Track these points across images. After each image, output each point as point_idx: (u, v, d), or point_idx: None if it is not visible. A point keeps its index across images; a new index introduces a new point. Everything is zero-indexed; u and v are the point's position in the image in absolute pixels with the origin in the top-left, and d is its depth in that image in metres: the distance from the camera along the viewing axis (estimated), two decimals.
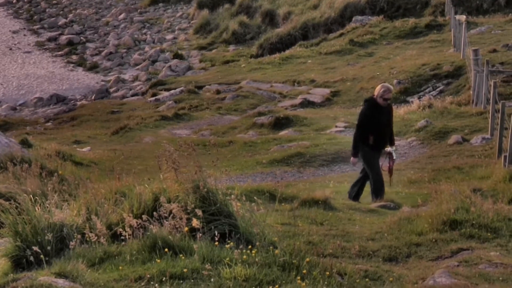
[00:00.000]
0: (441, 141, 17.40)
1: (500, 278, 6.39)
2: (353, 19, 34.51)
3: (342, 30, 33.74)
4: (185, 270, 6.09)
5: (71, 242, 6.64)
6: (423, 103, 20.64)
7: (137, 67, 36.42)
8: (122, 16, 47.11)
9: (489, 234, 7.71)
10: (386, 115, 11.18)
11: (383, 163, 11.37)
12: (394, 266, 7.02)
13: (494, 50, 24.05)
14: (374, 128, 11.04)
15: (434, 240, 7.63)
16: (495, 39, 26.37)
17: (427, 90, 23.35)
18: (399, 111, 20.92)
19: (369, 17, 34.28)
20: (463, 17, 26.56)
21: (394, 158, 11.39)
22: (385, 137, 11.23)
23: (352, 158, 11.34)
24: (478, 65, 19.64)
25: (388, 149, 11.32)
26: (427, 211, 8.45)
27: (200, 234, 6.61)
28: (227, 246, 6.53)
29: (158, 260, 6.26)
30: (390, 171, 11.38)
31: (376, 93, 11.08)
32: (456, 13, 29.64)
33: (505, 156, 13.06)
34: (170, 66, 34.46)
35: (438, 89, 23.14)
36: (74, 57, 39.33)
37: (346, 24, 34.48)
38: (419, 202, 10.38)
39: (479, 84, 19.55)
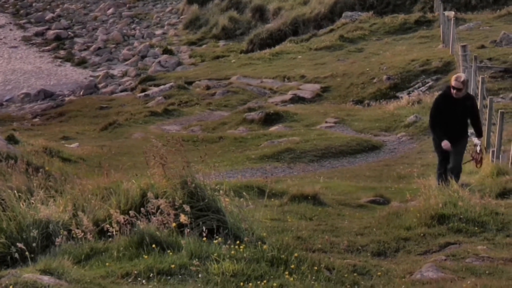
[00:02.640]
0: (430, 136, 17.40)
1: (487, 272, 6.41)
2: (343, 15, 34.53)
3: (332, 26, 33.74)
4: (172, 266, 6.05)
5: (57, 238, 6.58)
6: (413, 99, 20.70)
7: (126, 62, 36.30)
8: (110, 11, 46.94)
9: (476, 228, 7.74)
10: (459, 107, 10.60)
11: (472, 155, 11.33)
12: (383, 261, 7.03)
13: (482, 46, 24.13)
14: (442, 118, 10.66)
15: (422, 234, 7.64)
16: (483, 35, 26.44)
17: (416, 86, 23.39)
18: (388, 107, 20.97)
19: (359, 13, 34.31)
20: (451, 13, 26.63)
21: (478, 151, 11.14)
22: (453, 129, 10.65)
23: (442, 143, 10.71)
24: (466, 61, 19.69)
25: (475, 141, 11.08)
26: (415, 206, 8.48)
27: (188, 230, 6.58)
28: (215, 241, 6.50)
29: (146, 256, 6.23)
30: (478, 161, 11.24)
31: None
32: (445, 9, 29.69)
33: (493, 151, 13.10)
34: (159, 62, 34.37)
35: (427, 84, 23.19)
36: (62, 52, 39.13)
37: (336, 20, 34.49)
38: (408, 197, 10.39)
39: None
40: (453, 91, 10.54)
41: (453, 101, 10.61)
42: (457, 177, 10.53)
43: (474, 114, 10.86)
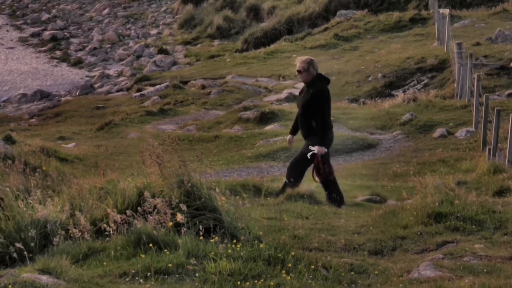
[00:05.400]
0: (426, 134, 17.48)
1: (485, 270, 6.40)
2: (338, 13, 34.56)
3: (327, 24, 33.77)
4: (169, 265, 6.06)
5: (54, 238, 6.59)
6: (408, 97, 20.71)
7: (122, 62, 36.29)
8: (106, 11, 46.92)
9: (473, 226, 7.73)
10: (303, 95, 9.81)
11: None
12: (380, 259, 7.02)
13: (478, 43, 24.16)
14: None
15: (419, 233, 7.64)
16: (478, 32, 26.47)
17: (411, 84, 23.42)
18: (384, 105, 20.98)
19: (354, 11, 34.34)
20: (446, 11, 26.66)
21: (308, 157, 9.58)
22: (299, 121, 9.81)
23: None
24: (462, 58, 19.71)
25: (311, 147, 9.69)
26: (412, 204, 8.46)
27: (185, 229, 6.58)
28: (212, 240, 6.51)
29: (143, 256, 6.23)
30: (316, 174, 9.73)
31: None
32: (439, 6, 29.74)
33: (489, 149, 13.13)
34: (155, 61, 34.36)
35: (422, 82, 23.22)
36: (58, 52, 39.12)
37: (331, 18, 34.53)
38: (404, 195, 10.40)
39: (463, 77, 19.62)
40: (297, 75, 9.85)
41: (303, 88, 9.91)
42: (287, 180, 9.55)
43: (314, 108, 9.57)
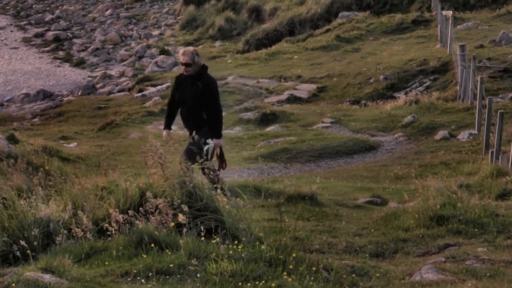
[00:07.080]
0: (428, 136, 17.47)
1: (488, 274, 6.38)
2: (340, 14, 34.56)
3: (329, 25, 33.77)
4: (171, 265, 6.06)
5: (57, 237, 6.61)
6: (410, 99, 20.71)
7: (124, 63, 36.30)
8: (108, 12, 47.00)
9: (476, 229, 7.71)
10: (189, 88, 9.36)
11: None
12: (381, 262, 7.02)
13: (481, 46, 24.12)
14: (174, 102, 9.51)
15: (420, 235, 7.63)
16: (482, 34, 26.44)
17: (413, 86, 23.40)
18: (385, 107, 20.98)
19: (356, 12, 34.34)
20: (449, 13, 26.65)
21: (206, 156, 8.99)
22: (188, 116, 9.41)
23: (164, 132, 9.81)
24: (464, 61, 19.68)
25: (208, 141, 9.24)
26: (413, 207, 8.46)
27: (186, 230, 6.58)
28: (213, 241, 6.51)
29: (144, 256, 6.23)
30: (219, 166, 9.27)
31: None
32: (442, 8, 29.72)
33: (492, 152, 13.12)
34: (156, 62, 34.36)
35: (424, 84, 23.21)
36: (61, 53, 39.18)
37: (333, 20, 34.53)
38: (405, 197, 10.39)
39: (465, 80, 19.61)
40: (183, 68, 9.47)
41: (185, 80, 9.49)
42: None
43: (206, 99, 9.28)
